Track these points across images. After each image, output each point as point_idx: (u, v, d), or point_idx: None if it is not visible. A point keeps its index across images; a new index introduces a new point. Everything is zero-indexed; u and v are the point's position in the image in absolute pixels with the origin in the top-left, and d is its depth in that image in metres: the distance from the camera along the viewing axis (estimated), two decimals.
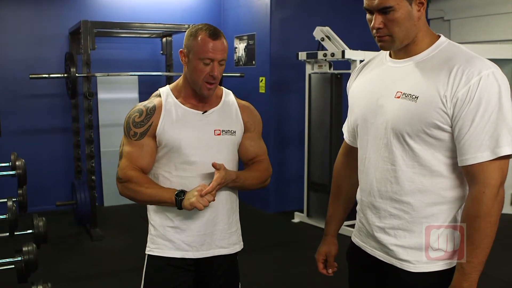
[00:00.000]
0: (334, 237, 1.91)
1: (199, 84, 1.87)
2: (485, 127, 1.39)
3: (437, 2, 6.34)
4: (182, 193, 1.83)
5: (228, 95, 2.04)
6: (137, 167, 1.89)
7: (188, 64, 1.88)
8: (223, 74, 5.24)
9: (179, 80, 1.98)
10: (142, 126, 1.89)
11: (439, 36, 1.55)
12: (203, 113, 1.93)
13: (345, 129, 1.85)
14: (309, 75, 5.26)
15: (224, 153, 1.94)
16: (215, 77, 1.85)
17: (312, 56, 5.11)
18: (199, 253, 1.94)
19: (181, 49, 1.91)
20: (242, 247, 2.06)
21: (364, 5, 1.52)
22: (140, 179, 1.87)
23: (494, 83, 1.40)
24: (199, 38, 1.83)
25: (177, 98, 1.94)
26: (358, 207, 1.74)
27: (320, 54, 5.00)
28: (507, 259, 4.21)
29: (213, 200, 1.82)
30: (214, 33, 1.84)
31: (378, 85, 1.61)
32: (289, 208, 5.70)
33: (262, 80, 5.81)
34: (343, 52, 4.79)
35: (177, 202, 1.82)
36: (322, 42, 5.13)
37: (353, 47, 4.95)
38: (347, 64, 5.01)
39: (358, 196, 1.73)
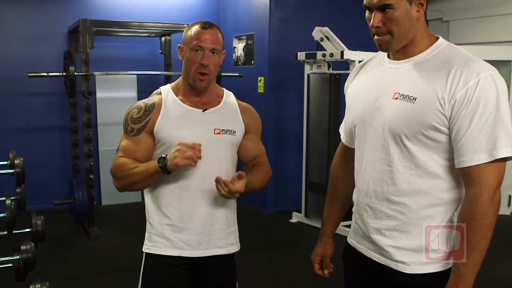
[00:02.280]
0: (330, 238, 1.92)
1: (191, 75, 1.88)
2: (482, 129, 1.40)
3: (436, 3, 6.35)
4: (163, 159, 1.79)
5: (229, 96, 2.04)
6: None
7: (183, 58, 1.91)
8: (222, 74, 5.33)
9: (180, 79, 2.00)
10: (140, 122, 1.90)
11: (438, 38, 1.56)
12: (203, 111, 1.94)
13: (342, 129, 1.85)
14: (308, 75, 5.26)
15: (223, 152, 1.94)
16: (206, 66, 1.85)
17: (311, 56, 5.12)
18: (196, 252, 1.94)
19: (179, 45, 1.95)
20: (239, 248, 2.06)
21: (364, 3, 1.52)
22: (126, 162, 1.86)
23: (492, 85, 1.40)
24: (191, 30, 1.87)
25: (177, 96, 1.95)
26: (354, 208, 1.73)
27: (319, 54, 5.00)
28: (503, 260, 4.22)
29: (199, 157, 1.76)
30: (206, 24, 1.88)
31: (376, 86, 1.61)
32: (287, 208, 5.71)
33: (260, 80, 5.82)
34: (342, 52, 4.79)
35: (163, 169, 1.78)
36: (321, 43, 5.13)
37: (352, 47, 4.96)
38: (346, 64, 5.01)
39: (354, 197, 1.73)
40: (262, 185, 2.03)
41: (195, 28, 1.87)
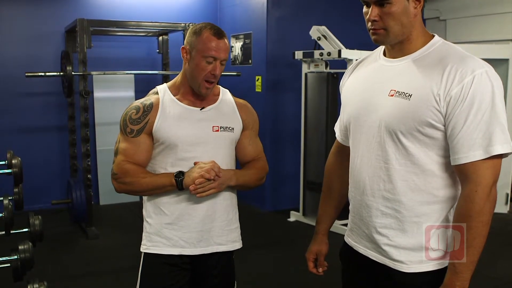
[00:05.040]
0: (324, 236, 1.92)
1: (198, 82, 1.88)
2: (478, 126, 1.40)
3: (433, 2, 6.36)
4: (181, 173, 1.85)
5: (225, 93, 2.05)
6: (133, 162, 1.90)
7: (190, 61, 1.89)
8: None
9: (177, 78, 1.99)
10: (139, 123, 1.90)
11: (433, 36, 1.56)
12: (200, 110, 1.94)
13: (337, 127, 1.85)
14: (306, 74, 5.26)
15: (222, 149, 1.95)
16: (216, 76, 1.87)
17: (308, 55, 5.12)
18: (197, 249, 1.94)
19: (183, 46, 1.93)
20: (241, 245, 2.07)
21: None
22: (135, 170, 1.88)
23: (487, 82, 1.41)
24: (204, 36, 1.85)
25: (174, 95, 1.95)
26: (350, 206, 1.73)
27: (316, 53, 5.01)
28: (503, 258, 4.23)
29: (218, 176, 1.83)
30: (219, 32, 1.87)
31: (371, 83, 1.62)
32: (285, 207, 5.71)
33: (258, 79, 5.82)
34: (339, 51, 4.80)
35: (178, 183, 1.84)
36: (319, 41, 5.14)
37: (349, 46, 4.96)
38: (344, 63, 5.02)
39: (350, 195, 1.73)
40: (256, 179, 2.04)
41: (208, 35, 1.84)
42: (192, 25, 2.00)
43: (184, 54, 1.91)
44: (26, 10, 5.67)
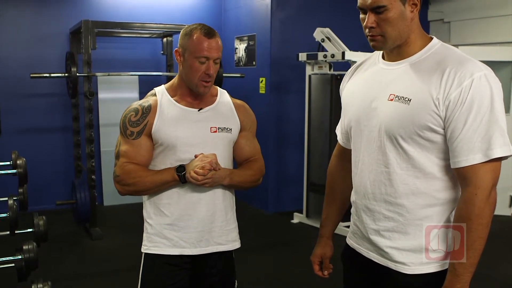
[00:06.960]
0: (329, 239, 1.92)
1: (195, 83, 1.89)
2: (477, 129, 1.40)
3: (437, 4, 6.35)
4: (182, 168, 1.86)
5: (223, 94, 2.06)
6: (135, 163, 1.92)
7: (184, 63, 1.91)
8: (224, 75, 5.34)
9: (174, 80, 2.01)
10: (138, 125, 1.91)
11: (432, 38, 1.56)
12: (198, 111, 1.96)
13: (339, 130, 1.86)
14: (309, 76, 5.27)
15: (220, 150, 1.96)
16: (211, 75, 1.88)
17: (312, 57, 5.12)
18: (197, 249, 1.95)
19: (176, 49, 1.94)
20: (240, 245, 2.08)
21: (358, 5, 1.53)
22: (137, 170, 1.90)
23: (486, 85, 1.41)
24: (194, 37, 1.86)
25: (172, 97, 1.96)
26: (352, 210, 1.74)
27: (320, 55, 5.01)
28: (504, 259, 4.22)
29: (216, 168, 1.85)
30: (209, 32, 1.88)
31: (371, 87, 1.62)
32: (288, 208, 5.71)
33: (262, 80, 5.83)
34: (343, 53, 4.80)
35: (181, 178, 1.86)
36: (322, 43, 5.14)
37: (353, 48, 4.96)
38: (347, 65, 5.00)
39: (352, 199, 1.73)
40: (251, 180, 2.04)
41: (198, 35, 1.86)
42: None
43: (178, 57, 1.93)
44: (31, 12, 5.70)
